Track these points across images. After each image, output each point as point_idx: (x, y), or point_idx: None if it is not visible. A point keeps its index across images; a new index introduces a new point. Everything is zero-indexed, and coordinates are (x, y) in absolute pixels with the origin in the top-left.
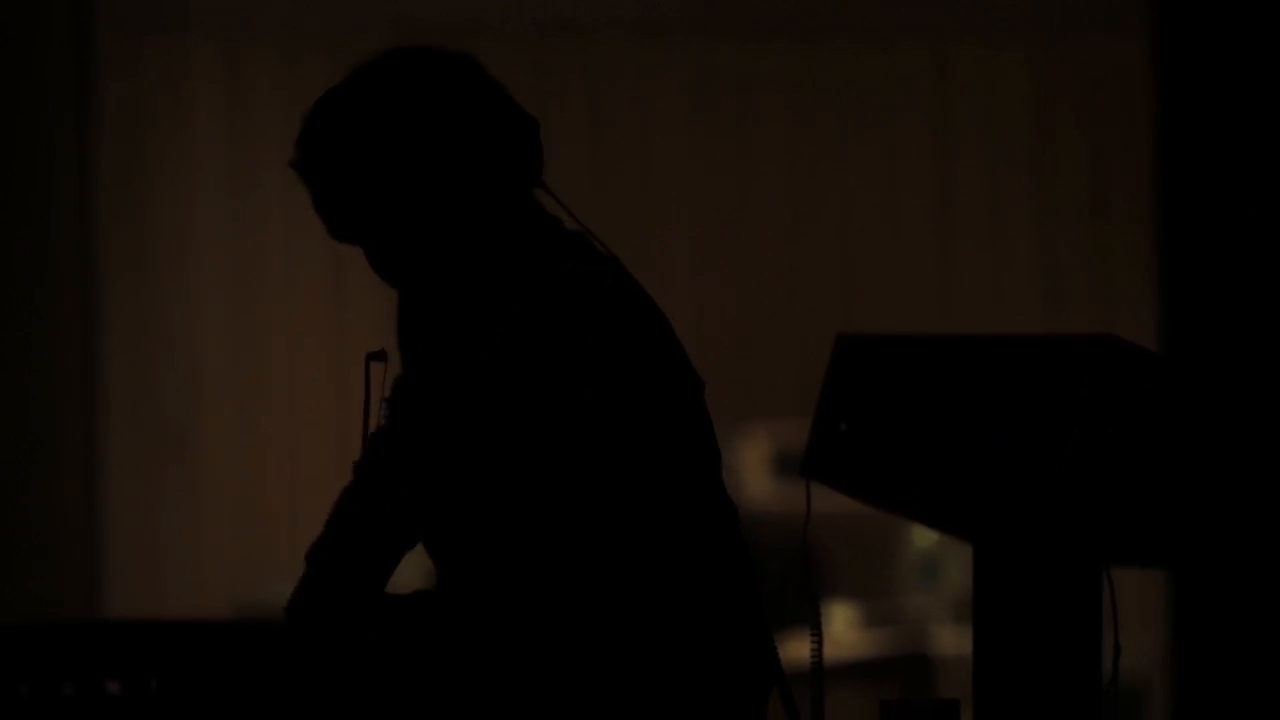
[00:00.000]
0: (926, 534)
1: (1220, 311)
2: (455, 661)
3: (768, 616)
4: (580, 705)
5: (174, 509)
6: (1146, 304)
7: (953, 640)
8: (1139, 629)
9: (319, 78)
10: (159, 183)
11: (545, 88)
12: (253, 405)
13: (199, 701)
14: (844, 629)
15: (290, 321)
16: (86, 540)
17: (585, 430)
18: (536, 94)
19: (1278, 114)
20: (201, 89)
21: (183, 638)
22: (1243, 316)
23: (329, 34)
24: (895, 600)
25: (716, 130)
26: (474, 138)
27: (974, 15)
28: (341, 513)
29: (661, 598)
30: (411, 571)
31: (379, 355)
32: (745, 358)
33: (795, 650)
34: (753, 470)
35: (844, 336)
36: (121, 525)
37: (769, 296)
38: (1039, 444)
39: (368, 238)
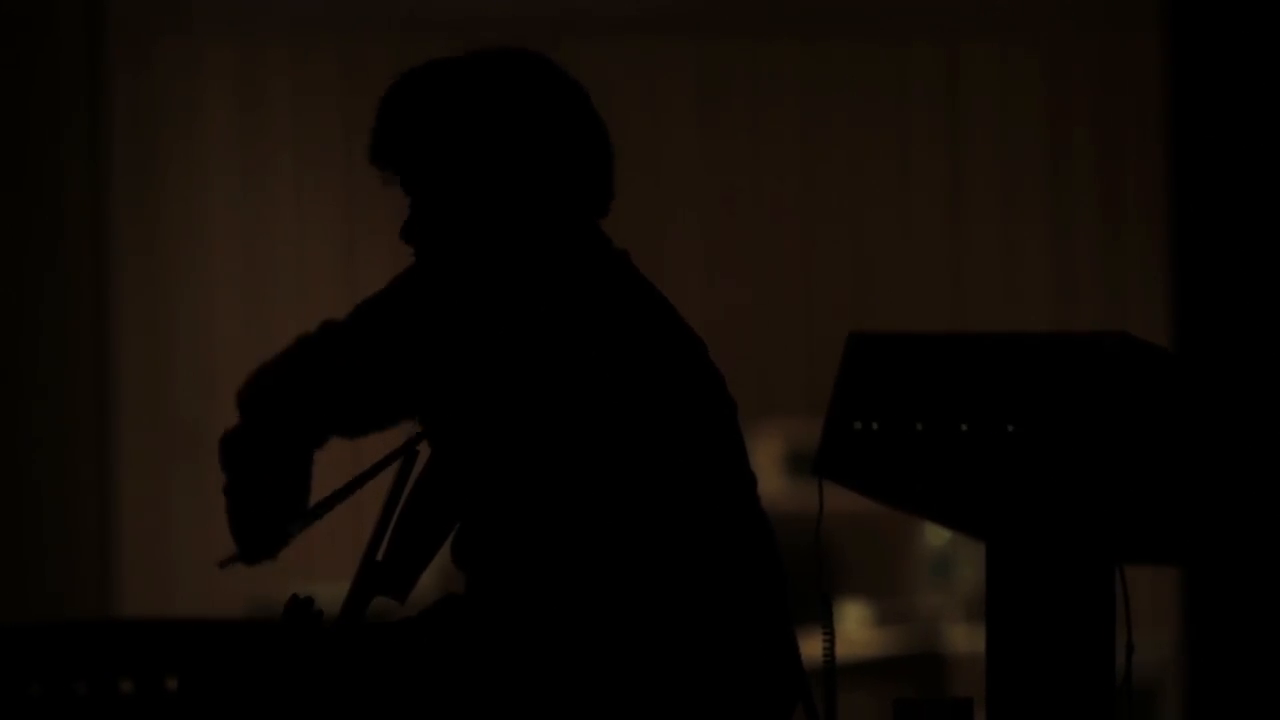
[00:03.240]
0: (939, 532)
1: (1232, 309)
2: (479, 671)
3: (795, 632)
4: (607, 716)
5: (186, 507)
6: (1159, 301)
7: (965, 638)
8: (1152, 627)
9: (330, 75)
10: (170, 181)
11: None
12: None
13: (212, 701)
14: (856, 628)
15: (302, 318)
16: (99, 539)
17: (612, 442)
18: None
19: None
20: (213, 87)
21: (195, 637)
22: (1255, 314)
23: (340, 32)
24: (908, 599)
25: (728, 129)
26: (564, 159)
27: (987, 13)
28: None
29: (690, 612)
30: (431, 576)
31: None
32: (757, 356)
33: (807, 649)
34: (765, 469)
35: (856, 334)
36: (134, 524)
37: (781, 295)
38: (1052, 442)
39: (420, 197)
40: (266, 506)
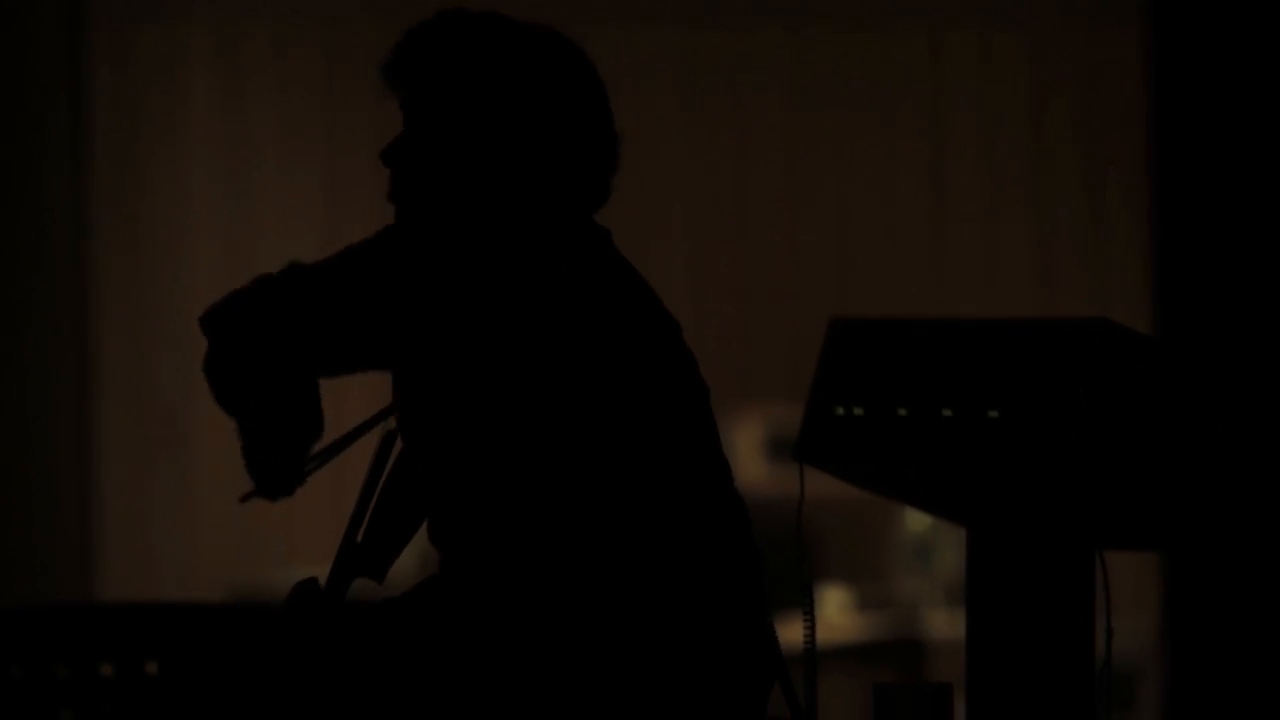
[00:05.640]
0: (919, 518)
1: (1213, 295)
2: (455, 653)
3: (771, 614)
4: (582, 698)
5: (168, 495)
6: (1140, 288)
7: (945, 624)
8: (1132, 612)
9: (314, 66)
10: (153, 172)
11: None
12: None
13: (193, 684)
14: (836, 613)
15: None
16: (81, 526)
17: (589, 421)
18: None
19: (1272, 102)
20: (195, 77)
21: (176, 620)
22: (1236, 300)
23: (323, 22)
24: (888, 584)
25: (712, 115)
26: (569, 138)
27: (970, 0)
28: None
29: (665, 593)
30: (410, 557)
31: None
32: (740, 341)
33: (787, 634)
34: (746, 454)
35: (837, 320)
36: (116, 511)
37: (764, 280)
38: (1033, 427)
39: (415, 163)
40: (278, 435)
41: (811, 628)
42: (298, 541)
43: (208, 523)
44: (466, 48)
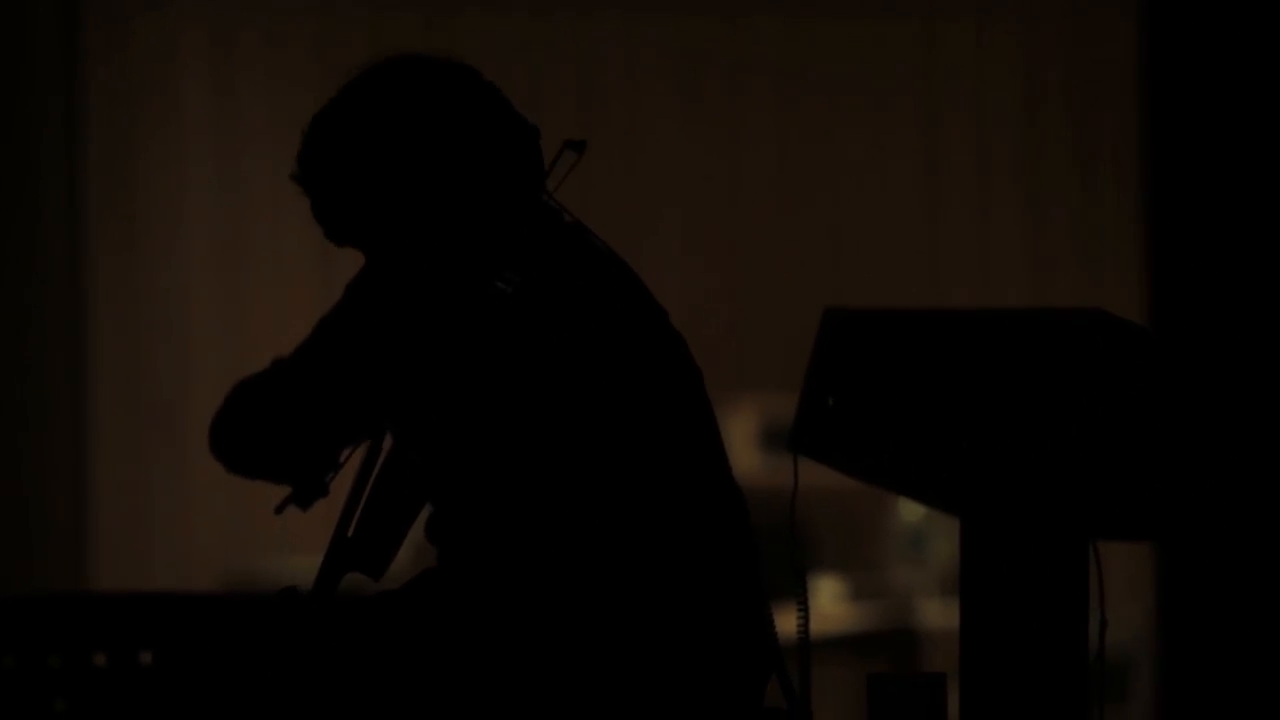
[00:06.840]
0: (913, 508)
1: (1208, 286)
2: (453, 644)
3: (769, 606)
4: (580, 692)
5: (163, 487)
6: (1134, 278)
7: (939, 614)
8: (1125, 602)
9: (307, 57)
10: (147, 164)
11: (533, 65)
12: None
13: (187, 674)
14: (830, 603)
15: (278, 300)
16: (76, 518)
17: (586, 419)
18: (525, 71)
19: (1265, 88)
20: (189, 69)
21: (170, 610)
22: (1230, 291)
23: (317, 15)
24: (882, 574)
25: (706, 105)
26: (472, 146)
27: None
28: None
29: (662, 587)
30: (404, 551)
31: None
32: (734, 331)
33: (782, 624)
34: (740, 444)
35: (831, 310)
36: (110, 503)
37: (758, 270)
38: (1027, 418)
39: (367, 243)
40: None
41: (806, 618)
42: (291, 531)
43: (202, 513)
44: (342, 135)
